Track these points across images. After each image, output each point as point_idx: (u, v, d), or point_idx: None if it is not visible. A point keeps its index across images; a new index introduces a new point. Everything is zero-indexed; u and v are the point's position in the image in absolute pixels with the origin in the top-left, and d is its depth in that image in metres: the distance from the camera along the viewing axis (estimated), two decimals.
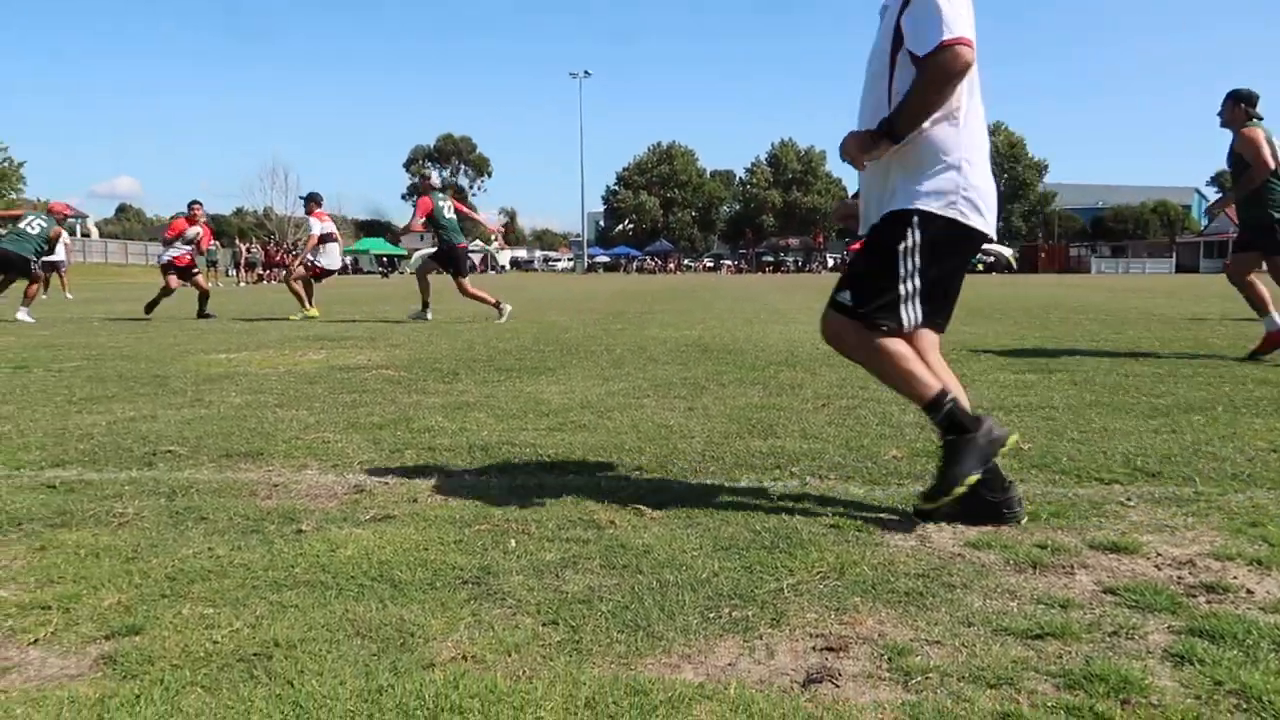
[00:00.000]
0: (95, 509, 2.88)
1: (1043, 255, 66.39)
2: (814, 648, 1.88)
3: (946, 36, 2.47)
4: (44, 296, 18.65)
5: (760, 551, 2.43)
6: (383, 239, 79.97)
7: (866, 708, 1.63)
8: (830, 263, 71.87)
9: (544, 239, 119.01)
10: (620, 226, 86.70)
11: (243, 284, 36.35)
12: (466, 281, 11.33)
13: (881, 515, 2.78)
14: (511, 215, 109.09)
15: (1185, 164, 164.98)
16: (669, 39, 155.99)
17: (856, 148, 2.68)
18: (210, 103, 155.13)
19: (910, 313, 2.68)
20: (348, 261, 71.31)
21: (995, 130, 77.23)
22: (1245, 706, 1.61)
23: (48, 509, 2.88)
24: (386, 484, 3.21)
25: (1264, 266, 6.79)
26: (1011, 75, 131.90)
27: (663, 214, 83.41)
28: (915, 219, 2.63)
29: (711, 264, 77.66)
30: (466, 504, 2.92)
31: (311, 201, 13.15)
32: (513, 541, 2.53)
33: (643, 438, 3.91)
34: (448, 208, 11.57)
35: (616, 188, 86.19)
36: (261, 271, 40.51)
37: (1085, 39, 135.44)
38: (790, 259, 78.71)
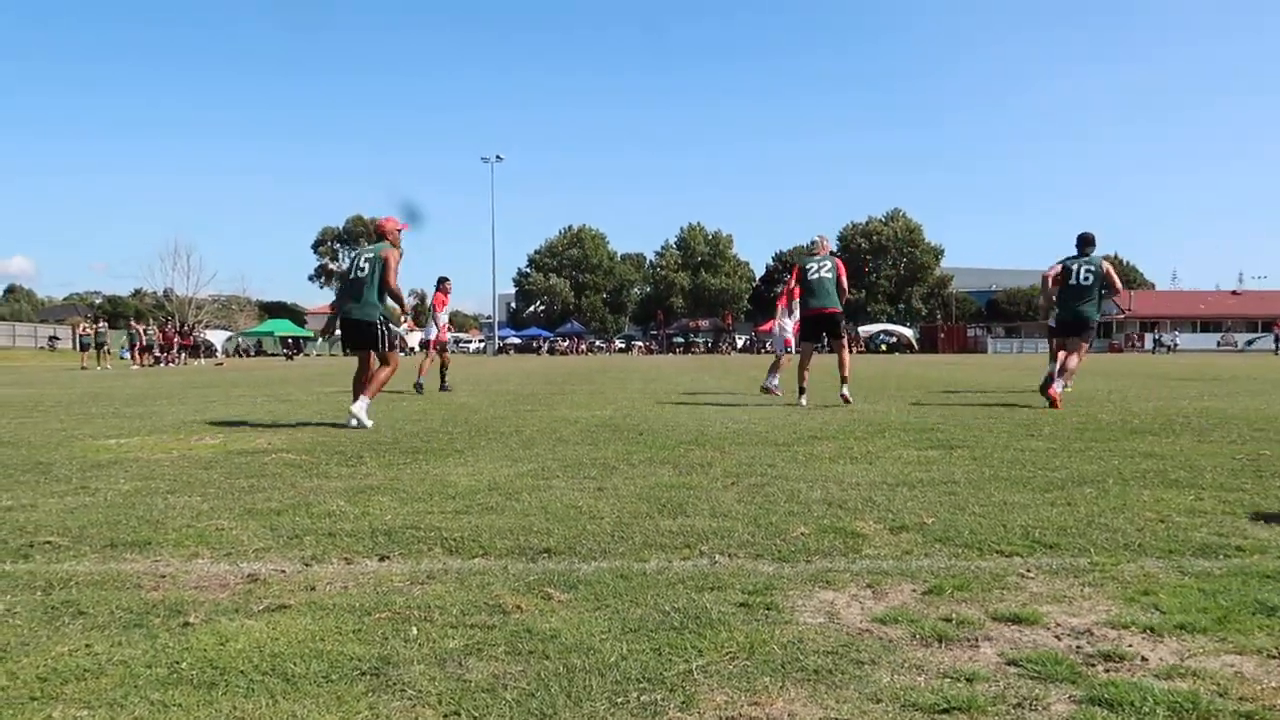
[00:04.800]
0: None
1: (942, 335, 68.90)
2: None
3: None
4: None
5: (669, 633, 2.40)
6: (288, 320, 78.38)
7: None
8: (739, 343, 73.13)
9: (454, 320, 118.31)
10: (531, 308, 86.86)
11: (136, 366, 34.91)
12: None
13: (790, 592, 2.78)
14: (422, 297, 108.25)
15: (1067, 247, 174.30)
16: (579, 121, 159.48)
17: None
18: (111, 178, 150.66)
19: None
20: (251, 345, 69.64)
21: (893, 217, 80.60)
22: None
23: None
24: (283, 572, 3.07)
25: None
26: (912, 168, 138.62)
27: (574, 296, 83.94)
28: None
29: (623, 345, 78.19)
30: (367, 591, 2.81)
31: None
32: (414, 629, 2.44)
33: (551, 519, 3.85)
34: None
35: (528, 270, 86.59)
36: (159, 354, 39.09)
37: (977, 138, 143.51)
38: (700, 340, 79.83)
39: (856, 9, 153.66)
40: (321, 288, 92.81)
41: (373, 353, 8.32)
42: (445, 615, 2.56)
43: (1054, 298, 10.24)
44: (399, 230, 8.63)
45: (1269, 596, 2.66)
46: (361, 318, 8.22)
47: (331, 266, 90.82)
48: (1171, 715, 1.87)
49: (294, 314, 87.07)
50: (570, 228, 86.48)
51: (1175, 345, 60.34)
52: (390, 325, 8.36)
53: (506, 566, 3.10)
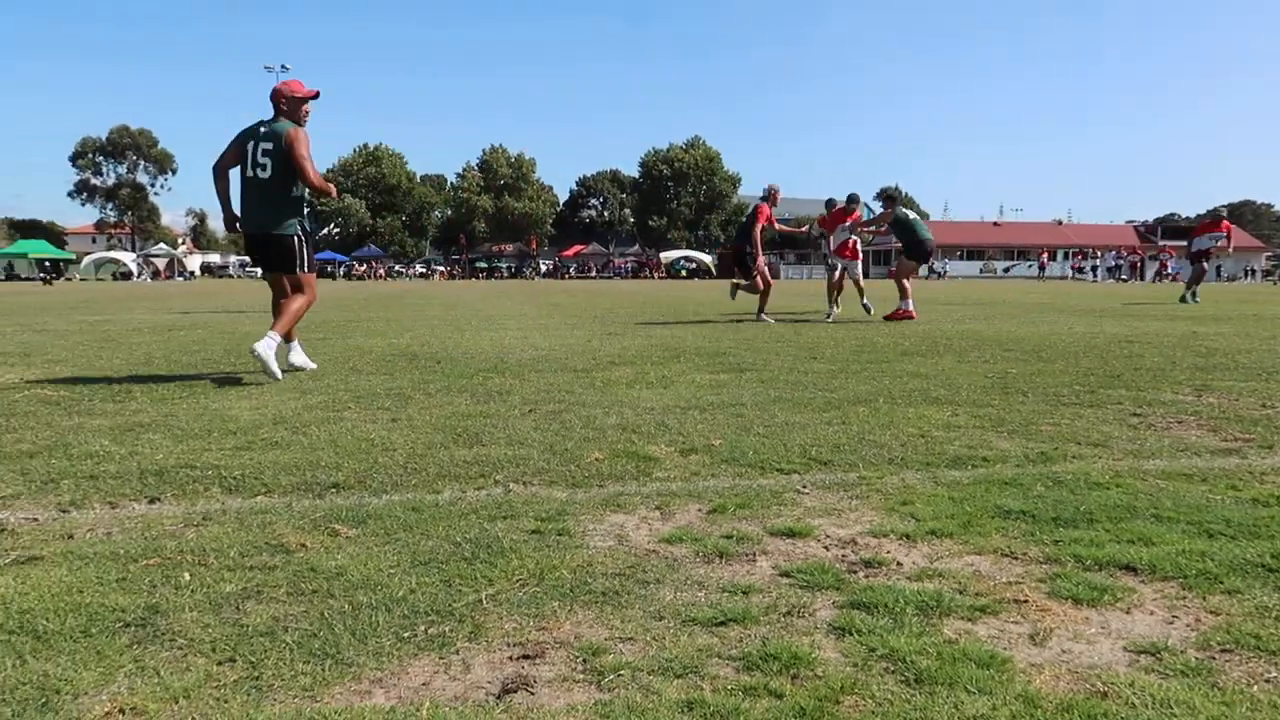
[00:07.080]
0: None
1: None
2: (511, 657, 1.87)
3: None
4: None
5: (460, 564, 2.40)
6: (45, 241, 70.87)
7: (560, 712, 1.64)
8: (543, 269, 72.73)
9: (241, 243, 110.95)
10: (325, 230, 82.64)
11: None
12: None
13: (582, 517, 2.84)
14: (201, 217, 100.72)
15: (856, 175, 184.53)
16: (374, 33, 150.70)
17: None
18: None
19: None
20: (0, 268, 62.67)
21: (694, 145, 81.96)
22: (893, 668, 1.80)
23: None
24: (35, 520, 2.82)
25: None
26: (711, 99, 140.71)
27: (371, 218, 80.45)
28: None
29: (424, 270, 75.97)
30: (133, 537, 2.63)
31: None
32: (187, 575, 2.31)
33: (341, 453, 3.73)
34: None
35: None
36: None
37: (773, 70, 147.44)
38: (504, 265, 78.77)
39: None
40: (83, 205, 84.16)
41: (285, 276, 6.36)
42: (222, 558, 2.44)
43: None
44: (307, 98, 6.21)
45: (1005, 501, 2.97)
46: (272, 230, 6.18)
47: (95, 181, 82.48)
48: (919, 613, 2.07)
49: (51, 234, 78.89)
50: (366, 146, 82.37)
51: (945, 272, 65.34)
52: (306, 238, 6.39)
53: (290, 504, 2.98)
